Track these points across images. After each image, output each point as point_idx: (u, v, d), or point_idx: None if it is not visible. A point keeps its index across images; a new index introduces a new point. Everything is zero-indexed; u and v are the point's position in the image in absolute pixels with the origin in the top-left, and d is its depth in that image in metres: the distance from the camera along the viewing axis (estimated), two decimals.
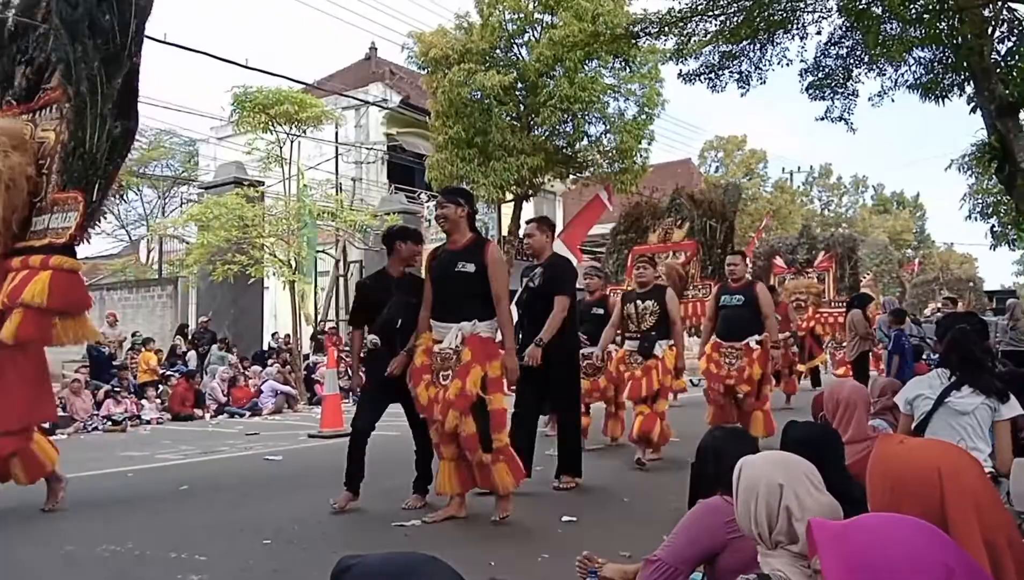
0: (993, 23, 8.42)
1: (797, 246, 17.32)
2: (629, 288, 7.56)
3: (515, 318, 5.43)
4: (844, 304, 15.08)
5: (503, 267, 4.43)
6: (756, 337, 6.54)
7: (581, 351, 6.50)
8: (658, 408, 6.17)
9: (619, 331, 6.75)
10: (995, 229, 17.53)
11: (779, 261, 16.92)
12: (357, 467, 4.84)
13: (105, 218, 9.92)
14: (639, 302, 6.36)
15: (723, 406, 6.67)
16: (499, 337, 4.40)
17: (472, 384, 4.14)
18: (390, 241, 5.12)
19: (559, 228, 22.20)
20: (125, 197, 9.70)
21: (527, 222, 5.87)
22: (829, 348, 16.45)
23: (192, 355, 14.48)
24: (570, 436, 5.41)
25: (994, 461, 3.34)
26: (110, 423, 10.82)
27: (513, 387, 4.73)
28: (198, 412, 12.49)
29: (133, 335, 14.72)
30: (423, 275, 4.94)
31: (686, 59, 9.61)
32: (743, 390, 6.49)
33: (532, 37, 17.26)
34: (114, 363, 12.92)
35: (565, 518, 4.35)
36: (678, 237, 11.74)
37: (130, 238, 31.98)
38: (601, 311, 7.14)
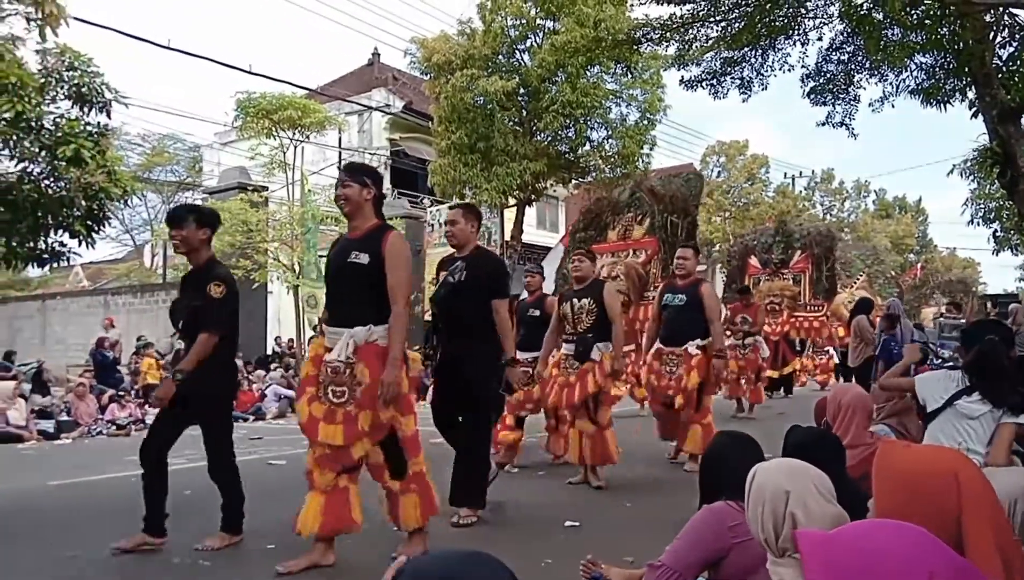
0: (994, 28, 8.43)
1: (773, 244, 16.16)
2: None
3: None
4: (820, 307, 14.85)
5: (404, 261, 3.76)
6: (697, 341, 6.02)
7: (519, 357, 6.23)
8: (601, 419, 5.45)
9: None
10: (997, 234, 17.51)
11: (754, 261, 16.01)
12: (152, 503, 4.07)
13: (110, 223, 9.96)
14: (575, 301, 5.57)
15: (668, 419, 6.19)
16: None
17: (387, 412, 3.53)
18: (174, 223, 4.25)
19: (560, 232, 22.27)
20: (129, 202, 9.68)
21: (450, 208, 5.37)
22: (811, 352, 15.95)
23: None
24: (474, 462, 4.58)
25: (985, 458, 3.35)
26: (114, 427, 10.85)
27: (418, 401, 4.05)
28: None
29: (138, 339, 14.77)
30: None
31: (688, 65, 9.65)
32: (676, 401, 5.99)
33: (534, 43, 17.32)
34: (118, 368, 12.95)
35: (568, 523, 4.35)
36: (638, 234, 10.99)
37: (135, 243, 32.08)
38: (537, 313, 6.43)
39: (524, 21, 17.09)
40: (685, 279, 6.18)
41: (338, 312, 3.76)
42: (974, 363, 3.50)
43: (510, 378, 4.49)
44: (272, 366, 14.62)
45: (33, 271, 19.10)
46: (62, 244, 8.65)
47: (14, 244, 6.84)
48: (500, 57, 17.26)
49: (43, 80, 7.07)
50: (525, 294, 6.88)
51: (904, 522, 1.40)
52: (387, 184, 22.75)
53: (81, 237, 8.31)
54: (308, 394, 3.67)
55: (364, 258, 3.68)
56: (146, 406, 11.94)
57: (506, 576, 1.12)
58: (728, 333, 11.21)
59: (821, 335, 16.00)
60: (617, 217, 11.34)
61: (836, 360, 16.13)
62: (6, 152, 7.01)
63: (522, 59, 17.61)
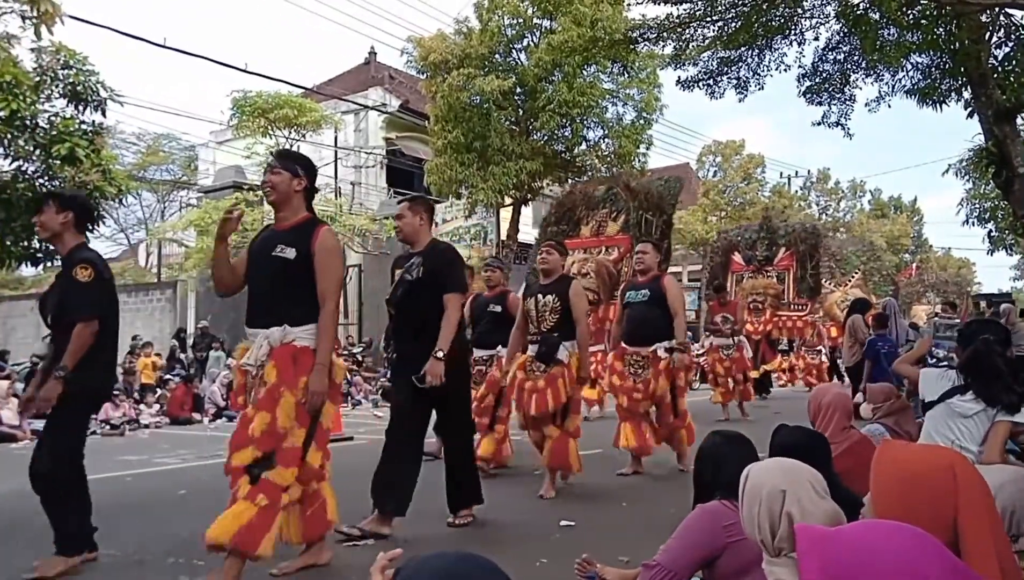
0: (990, 28, 8.46)
1: (757, 241, 15.56)
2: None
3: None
4: (804, 306, 14.53)
5: (336, 259, 3.47)
6: (666, 343, 5.67)
7: (475, 354, 5.97)
8: (569, 426, 5.09)
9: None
10: (992, 234, 17.58)
11: (737, 257, 15.50)
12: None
13: (104, 222, 9.91)
14: (540, 297, 5.19)
15: (635, 425, 5.80)
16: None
17: (286, 418, 3.18)
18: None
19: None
20: (124, 201, 9.67)
21: (398, 202, 4.99)
22: (802, 352, 15.68)
23: (189, 359, 14.49)
24: (461, 462, 4.47)
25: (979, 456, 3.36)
26: (108, 427, 10.81)
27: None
28: (196, 416, 12.49)
29: (133, 339, 14.73)
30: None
31: (684, 65, 9.66)
32: (644, 407, 5.70)
33: (531, 42, 17.32)
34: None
35: (563, 523, 4.35)
36: (612, 230, 10.55)
37: (129, 242, 32.02)
38: (499, 309, 6.12)
39: (521, 20, 17.09)
40: (646, 275, 5.90)
41: (256, 311, 3.41)
42: (969, 363, 3.52)
43: (429, 372, 4.03)
44: None
45: (27, 270, 19.05)
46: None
47: (8, 243, 6.82)
48: (497, 56, 17.26)
49: (38, 78, 7.05)
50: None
51: (902, 523, 1.40)
52: (383, 183, 22.76)
53: None
54: (240, 403, 3.43)
55: (291, 253, 3.37)
56: (140, 406, 11.93)
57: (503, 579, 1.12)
58: (709, 333, 11.07)
59: (804, 335, 15.71)
60: (591, 212, 10.96)
61: (826, 361, 15.90)
62: (1, 150, 6.99)
63: (519, 58, 17.61)
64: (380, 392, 15.11)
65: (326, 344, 3.33)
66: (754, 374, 13.20)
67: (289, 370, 3.22)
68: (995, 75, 8.45)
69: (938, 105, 9.09)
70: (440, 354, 4.05)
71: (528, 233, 21.88)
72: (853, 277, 18.85)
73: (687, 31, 9.11)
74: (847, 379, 14.53)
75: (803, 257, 15.10)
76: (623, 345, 5.90)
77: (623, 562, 3.19)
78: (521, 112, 17.58)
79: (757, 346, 13.42)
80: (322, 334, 3.32)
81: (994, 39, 8.65)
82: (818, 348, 15.46)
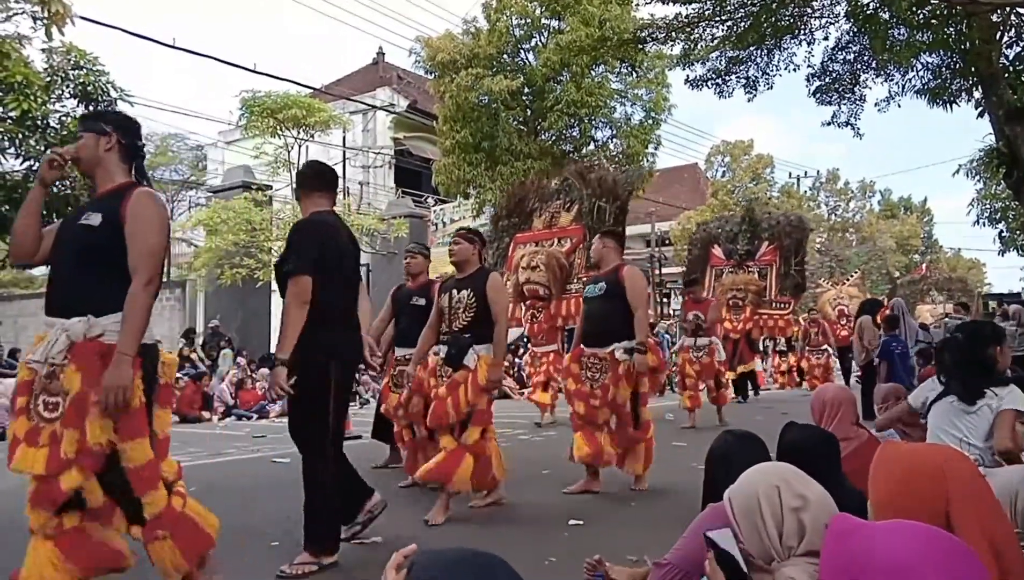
0: (1001, 28, 8.42)
1: (738, 233, 14.36)
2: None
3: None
4: (786, 305, 13.65)
5: (152, 225, 2.76)
6: (625, 343, 4.98)
7: (396, 353, 5.58)
8: (467, 440, 4.40)
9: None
10: (1003, 234, 17.49)
11: (717, 251, 14.39)
12: None
13: None
14: (454, 292, 4.60)
15: (591, 435, 5.08)
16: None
17: (97, 433, 2.58)
18: None
19: None
20: None
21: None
22: (804, 352, 14.91)
23: (200, 357, 14.55)
24: (312, 494, 3.56)
25: (991, 457, 3.35)
26: None
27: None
28: (206, 414, 12.55)
29: None
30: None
31: (693, 64, 9.66)
32: (603, 417, 5.04)
33: (539, 42, 17.34)
34: None
35: (572, 522, 4.35)
36: (565, 221, 9.87)
37: None
38: (423, 302, 5.48)
39: (529, 20, 17.11)
40: (605, 267, 5.30)
41: (55, 295, 2.78)
42: (939, 365, 3.56)
43: (273, 379, 3.44)
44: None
45: (37, 269, 19.15)
46: None
47: None
48: (505, 56, 17.28)
49: (49, 79, 7.10)
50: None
51: (928, 525, 1.39)
52: (391, 183, 22.82)
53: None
54: (19, 406, 2.68)
55: (96, 219, 2.74)
56: None
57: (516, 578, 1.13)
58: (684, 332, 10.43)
59: (786, 335, 15.07)
60: (545, 204, 10.32)
61: (834, 362, 15.28)
62: (12, 150, 7.04)
63: (527, 58, 17.62)
64: None
65: (130, 327, 2.64)
66: (731, 375, 12.58)
67: (95, 373, 2.59)
68: (1006, 75, 8.42)
69: (948, 105, 9.05)
70: (277, 358, 3.38)
71: None
72: (851, 277, 18.01)
73: (696, 30, 9.12)
74: (850, 380, 14.48)
75: (788, 252, 13.97)
76: (581, 346, 5.27)
77: (632, 561, 3.19)
78: (529, 112, 17.59)
79: (736, 345, 12.80)
80: (129, 315, 2.65)
81: (1005, 39, 8.62)
82: (823, 348, 14.59)
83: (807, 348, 14.68)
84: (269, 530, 4.31)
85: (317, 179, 3.78)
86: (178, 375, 13.34)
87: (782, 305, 13.67)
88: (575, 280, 9.35)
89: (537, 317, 9.46)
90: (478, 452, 4.45)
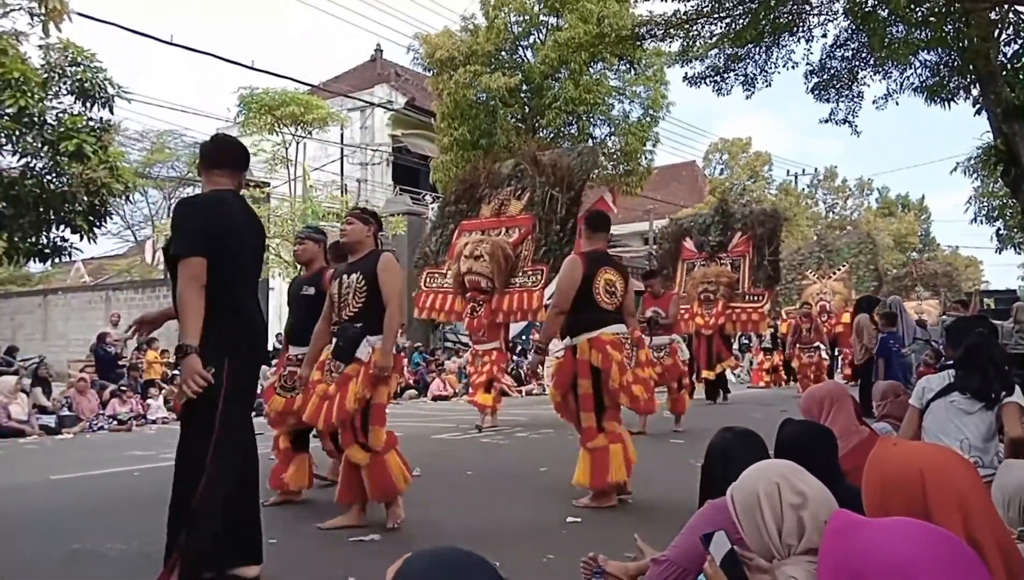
0: (1000, 26, 8.43)
1: (711, 225, 13.66)
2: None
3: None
4: (760, 297, 12.92)
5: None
6: (565, 341, 4.61)
7: (290, 352, 4.99)
8: (375, 443, 4.02)
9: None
10: (1001, 232, 17.51)
11: (688, 244, 13.78)
12: None
13: (111, 219, 9.95)
14: (344, 277, 4.20)
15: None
16: None
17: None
18: None
19: None
20: (131, 198, 9.71)
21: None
22: (794, 349, 13.77)
23: None
24: (179, 517, 3.01)
25: (990, 457, 3.34)
26: (116, 422, 10.86)
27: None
28: None
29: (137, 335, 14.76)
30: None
31: (691, 61, 9.65)
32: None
33: (537, 39, 17.33)
34: (120, 363, 12.97)
35: (570, 519, 4.35)
36: (515, 210, 9.23)
37: (136, 239, 32.11)
38: (312, 291, 4.92)
39: (527, 17, 17.10)
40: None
41: None
42: (966, 356, 3.51)
43: (185, 372, 2.98)
44: (273, 362, 14.63)
45: (35, 266, 19.10)
46: (64, 239, 8.69)
47: (16, 239, 6.86)
48: (503, 53, 17.27)
49: (46, 75, 7.09)
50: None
51: (928, 524, 1.40)
52: (389, 180, 22.79)
53: (83, 232, 8.34)
54: None
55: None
56: (147, 401, 11.98)
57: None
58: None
59: (759, 330, 14.37)
60: (495, 190, 9.65)
61: (826, 359, 14.24)
62: (9, 147, 7.03)
63: (525, 55, 17.61)
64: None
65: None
66: (709, 375, 12.24)
67: None
68: (1004, 72, 8.41)
69: (946, 103, 9.05)
70: (188, 348, 2.96)
71: None
72: (839, 270, 17.08)
73: (694, 28, 9.11)
74: (834, 377, 14.33)
75: (760, 241, 13.19)
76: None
77: (629, 558, 3.19)
78: (527, 109, 17.58)
79: (710, 342, 12.28)
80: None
81: (1003, 36, 8.63)
82: (815, 345, 13.74)
83: (798, 345, 13.74)
84: (268, 526, 4.30)
85: (218, 154, 3.35)
86: (175, 372, 13.33)
87: (755, 298, 12.91)
88: (521, 273, 8.82)
89: (478, 311, 8.77)
90: (392, 445, 4.13)
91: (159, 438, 9.59)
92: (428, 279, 9.74)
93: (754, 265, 13.06)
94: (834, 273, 16.70)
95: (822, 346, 13.85)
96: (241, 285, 3.23)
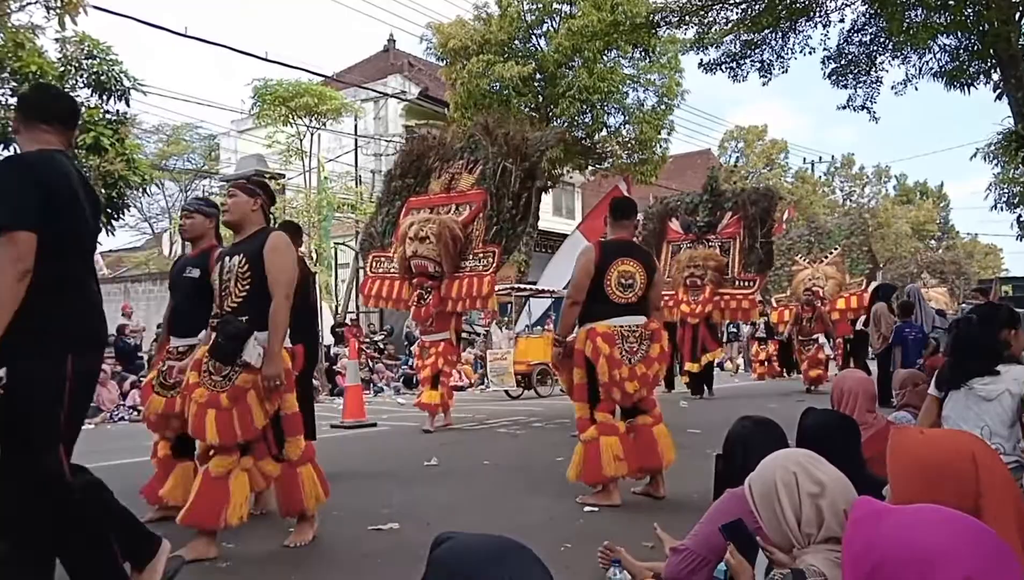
0: (1021, 8, 8.28)
1: (699, 205, 12.58)
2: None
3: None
4: (751, 283, 11.88)
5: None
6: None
7: (171, 343, 4.28)
8: (292, 454, 3.59)
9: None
10: (1022, 219, 17.28)
11: (675, 225, 12.76)
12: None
13: (128, 211, 10.01)
14: (227, 260, 3.58)
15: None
16: None
17: None
18: None
19: (577, 219, 22.22)
20: (148, 191, 9.79)
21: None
22: (762, 334, 13.11)
23: None
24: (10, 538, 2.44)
25: (1019, 451, 3.32)
26: (136, 413, 10.98)
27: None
28: None
29: (158, 327, 14.90)
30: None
31: (707, 48, 9.58)
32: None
33: (551, 27, 17.23)
34: (139, 354, 13.12)
35: (588, 508, 4.36)
36: (465, 184, 8.33)
37: (153, 231, 32.35)
38: (196, 273, 4.13)
39: (540, 5, 17.01)
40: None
41: None
42: (952, 345, 3.52)
43: None
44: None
45: None
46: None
47: None
48: (516, 42, 17.19)
49: (63, 68, 7.13)
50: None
51: (954, 511, 1.38)
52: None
53: (101, 225, 8.41)
54: None
55: None
56: None
57: (539, 568, 1.14)
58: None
59: (749, 318, 13.49)
60: (446, 163, 8.76)
61: (827, 352, 13.41)
62: None
63: (538, 44, 17.53)
64: (402, 379, 15.27)
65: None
66: (693, 367, 11.42)
67: None
68: None
69: (966, 88, 8.93)
70: None
71: (549, 221, 21.84)
72: (831, 253, 16.10)
73: (710, 14, 9.04)
74: (852, 363, 13.88)
75: (752, 222, 12.01)
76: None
77: (647, 547, 3.19)
78: (541, 98, 17.51)
79: (695, 332, 11.39)
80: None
81: None
82: (815, 336, 12.83)
83: (799, 337, 12.89)
84: (279, 520, 4.34)
85: (45, 106, 2.71)
86: None
87: (746, 283, 11.80)
88: (471, 255, 8.04)
89: (425, 299, 8.10)
90: (309, 458, 3.70)
91: None
92: (374, 264, 8.98)
93: (745, 248, 11.96)
94: (826, 257, 15.67)
95: (821, 338, 12.92)
96: (83, 262, 2.70)
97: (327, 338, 16.29)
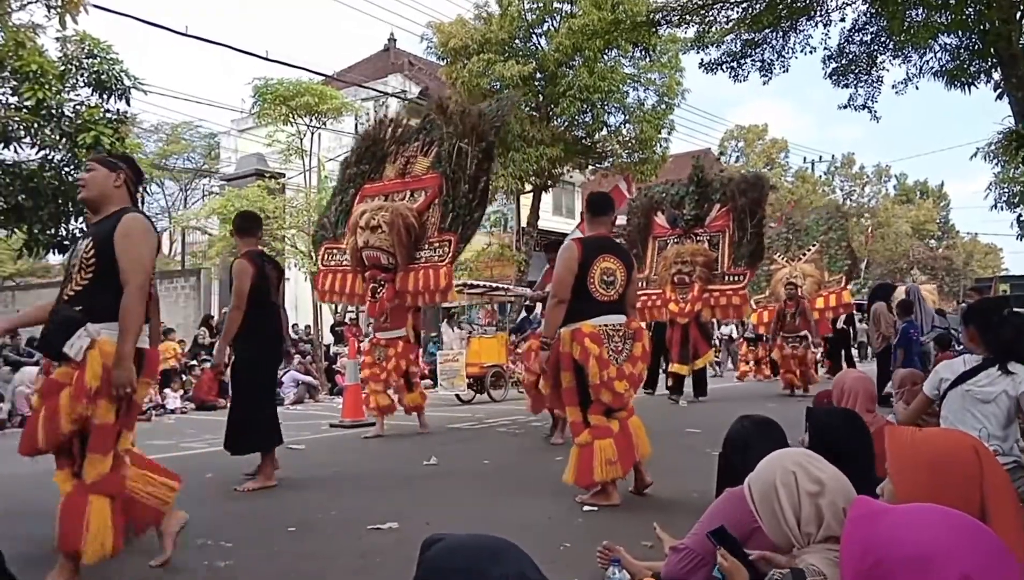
0: (1022, 8, 8.27)
1: (685, 196, 11.62)
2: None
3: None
4: (740, 277, 10.97)
5: None
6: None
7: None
8: (88, 474, 3.01)
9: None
10: (1022, 218, 17.28)
11: (660, 219, 11.99)
12: None
13: None
14: (79, 244, 3.24)
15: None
16: None
17: None
18: None
19: (577, 219, 22.21)
20: (148, 190, 9.79)
21: None
22: (777, 340, 12.21)
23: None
24: None
25: (1016, 452, 3.32)
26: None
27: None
28: (222, 402, 12.64)
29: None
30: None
31: (707, 47, 9.58)
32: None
33: (551, 26, 17.23)
34: None
35: (587, 508, 4.36)
36: (420, 168, 7.84)
37: (154, 230, 32.37)
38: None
39: (541, 4, 17.01)
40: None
41: None
42: (1014, 343, 3.42)
43: None
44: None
45: (54, 258, 19.33)
46: (82, 231, 8.76)
47: (36, 231, 6.91)
48: (517, 41, 17.19)
49: (63, 67, 7.11)
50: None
51: (952, 510, 1.38)
52: None
53: None
54: None
55: None
56: (165, 390, 12.11)
57: (531, 565, 1.13)
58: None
59: (741, 315, 12.42)
60: (402, 146, 8.21)
61: (814, 351, 12.64)
62: (27, 139, 7.07)
63: (539, 43, 17.52)
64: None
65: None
66: (681, 369, 10.67)
67: None
68: None
69: (967, 87, 8.93)
70: None
71: (549, 220, 21.84)
72: (808, 250, 15.25)
73: (710, 13, 9.04)
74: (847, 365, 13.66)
75: (742, 213, 11.07)
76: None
77: (646, 547, 3.19)
78: (541, 98, 17.51)
79: (685, 333, 10.63)
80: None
81: None
82: (802, 334, 12.02)
83: (781, 334, 12.09)
84: (286, 515, 4.34)
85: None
86: (194, 362, 13.45)
87: (736, 278, 10.92)
88: (427, 245, 7.54)
89: (379, 292, 7.64)
90: (111, 491, 3.05)
91: (178, 427, 9.71)
92: (326, 256, 8.49)
93: (735, 241, 11.06)
94: (803, 254, 14.88)
95: (809, 336, 12.18)
96: None
97: (327, 337, 16.31)
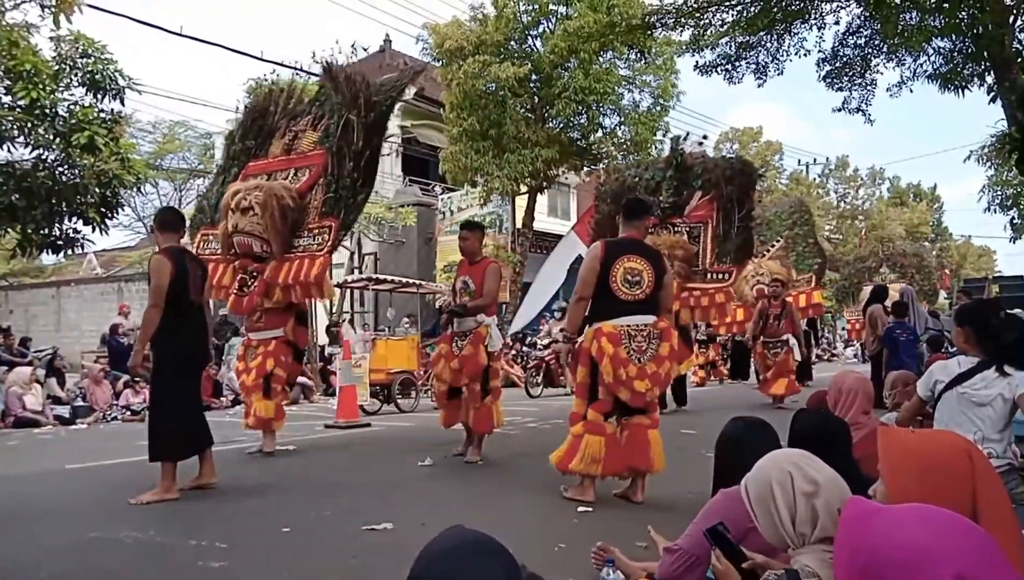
0: (1015, 12, 8.33)
1: (662, 182, 9.92)
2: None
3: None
4: (726, 274, 9.61)
5: None
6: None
7: None
8: None
9: None
10: (1015, 221, 17.38)
11: None
12: None
13: (123, 210, 9.97)
14: None
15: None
16: None
17: None
18: None
19: (572, 220, 22.24)
20: (142, 190, 9.75)
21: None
22: (703, 337, 11.40)
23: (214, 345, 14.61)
24: None
25: (1010, 455, 3.32)
26: (129, 413, 10.95)
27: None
28: (215, 402, 12.61)
29: None
30: None
31: (702, 50, 9.61)
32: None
33: (547, 28, 17.26)
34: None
35: (581, 509, 4.36)
36: (307, 144, 6.95)
37: (147, 230, 32.23)
38: None
39: (537, 6, 17.03)
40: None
41: None
42: (1016, 347, 3.41)
43: None
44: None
45: (48, 258, 19.25)
46: (76, 231, 8.74)
47: (29, 231, 6.90)
48: (512, 43, 17.21)
49: (57, 67, 7.11)
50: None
51: (945, 510, 1.39)
52: (398, 171, 22.77)
53: (95, 224, 8.39)
54: None
55: None
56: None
57: (510, 565, 1.14)
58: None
59: (726, 317, 10.95)
60: (292, 120, 7.29)
61: (796, 355, 11.16)
62: (21, 139, 7.07)
63: (534, 45, 17.55)
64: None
65: None
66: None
67: None
68: (1019, 60, 8.32)
69: (960, 90, 8.98)
70: None
71: (544, 221, 21.84)
72: (773, 246, 13.95)
73: (705, 16, 9.08)
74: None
75: (728, 204, 9.62)
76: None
77: (641, 548, 3.20)
78: (537, 99, 17.53)
79: None
80: None
81: (1019, 22, 8.52)
82: (784, 337, 10.95)
83: (763, 337, 11.05)
84: (280, 515, 4.34)
85: None
86: None
87: (720, 276, 9.61)
88: (306, 232, 6.57)
89: (249, 286, 6.63)
90: None
91: None
92: (201, 243, 7.34)
93: (719, 234, 9.68)
94: (767, 250, 13.51)
95: (792, 339, 11.03)
96: None
97: (321, 338, 16.27)
